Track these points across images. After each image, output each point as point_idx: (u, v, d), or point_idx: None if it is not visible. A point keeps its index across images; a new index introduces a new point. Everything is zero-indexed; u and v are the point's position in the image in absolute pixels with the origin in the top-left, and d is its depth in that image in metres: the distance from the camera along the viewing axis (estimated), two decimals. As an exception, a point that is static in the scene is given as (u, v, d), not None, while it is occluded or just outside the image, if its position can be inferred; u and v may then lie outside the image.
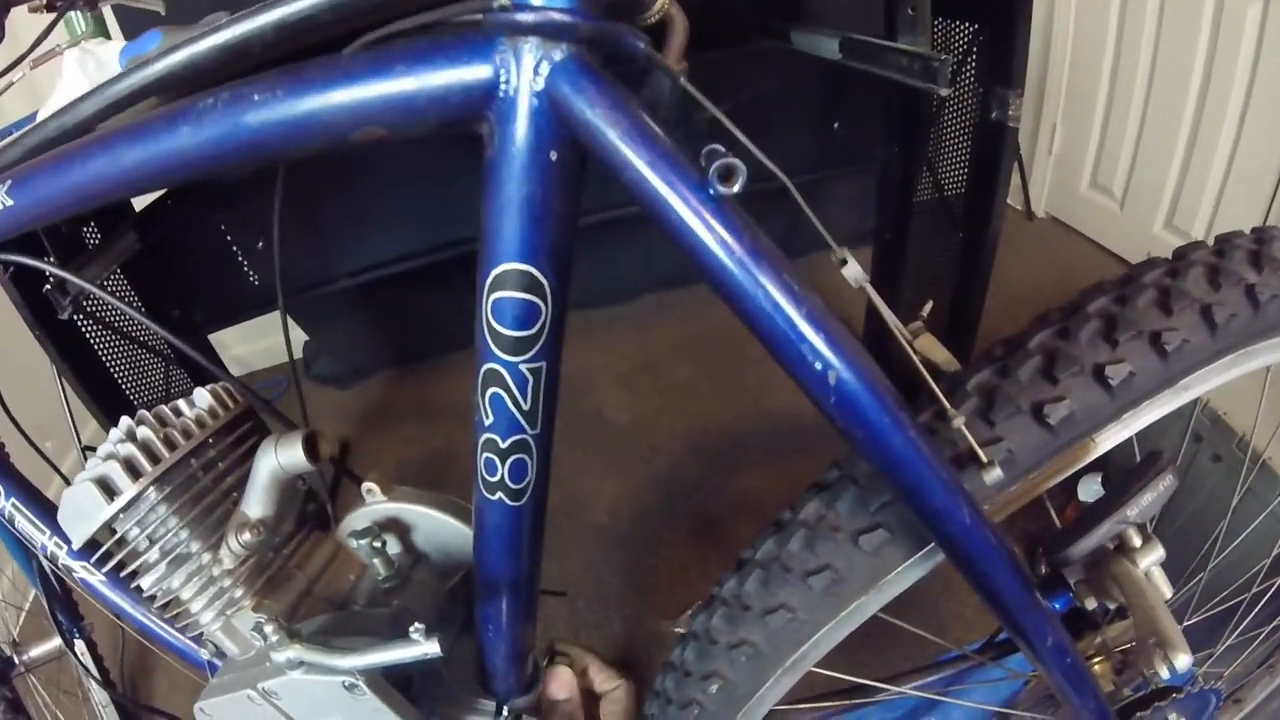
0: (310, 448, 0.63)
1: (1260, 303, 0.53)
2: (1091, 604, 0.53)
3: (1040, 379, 0.49)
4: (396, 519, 0.74)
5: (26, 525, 0.83)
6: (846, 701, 0.85)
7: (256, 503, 0.66)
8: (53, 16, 0.89)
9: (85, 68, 1.04)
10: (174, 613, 0.70)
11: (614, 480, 1.89)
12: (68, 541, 0.80)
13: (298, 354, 2.48)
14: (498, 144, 0.40)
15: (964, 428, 0.45)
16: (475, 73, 0.39)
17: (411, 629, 0.58)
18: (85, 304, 1.27)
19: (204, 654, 0.75)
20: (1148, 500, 0.49)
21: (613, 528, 1.77)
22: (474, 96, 0.39)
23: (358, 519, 0.73)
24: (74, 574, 0.81)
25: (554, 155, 0.39)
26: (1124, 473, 0.52)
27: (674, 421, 2.05)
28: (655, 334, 2.32)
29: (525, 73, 0.38)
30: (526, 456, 0.50)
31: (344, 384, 2.42)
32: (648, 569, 1.66)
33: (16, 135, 0.85)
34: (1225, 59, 1.95)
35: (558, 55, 0.38)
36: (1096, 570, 0.52)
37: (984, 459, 0.46)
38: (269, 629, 0.63)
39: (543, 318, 0.44)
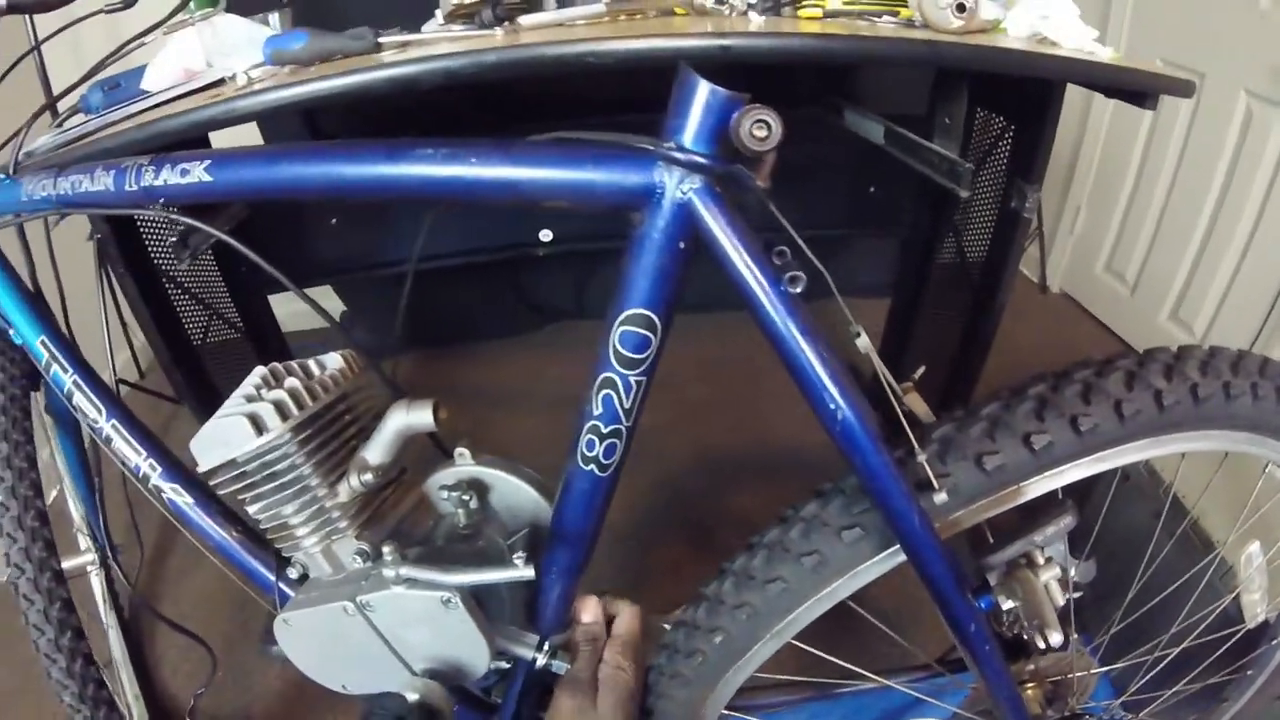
0: (436, 413, 0.81)
1: (1165, 405, 0.74)
2: (1006, 603, 0.76)
3: (985, 437, 0.73)
4: (479, 480, 0.89)
5: (123, 446, 0.93)
6: (820, 679, 1.07)
7: (378, 450, 0.83)
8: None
9: (202, 34, 1.24)
10: (278, 535, 0.84)
11: (622, 480, 2.07)
12: (162, 463, 0.93)
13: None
14: (645, 229, 0.63)
15: (925, 463, 0.69)
16: (640, 179, 0.62)
17: (515, 555, 0.76)
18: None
19: (292, 573, 0.90)
20: (1050, 531, 0.73)
21: (615, 523, 1.92)
22: (636, 194, 0.63)
23: (447, 476, 0.89)
24: (163, 494, 0.93)
25: (682, 244, 0.63)
26: (1038, 511, 0.76)
27: (686, 435, 2.23)
28: (679, 353, 2.44)
29: (672, 189, 0.61)
30: (618, 441, 0.73)
31: (375, 357, 2.59)
32: (643, 566, 1.85)
33: (185, 108, 1.02)
34: (1246, 170, 2.13)
35: (697, 182, 0.61)
36: (1010, 577, 0.76)
37: (936, 486, 0.70)
38: (386, 549, 0.78)
39: (652, 347, 0.67)
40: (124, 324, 2.33)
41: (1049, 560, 0.75)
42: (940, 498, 0.70)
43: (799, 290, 0.61)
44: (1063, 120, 1.41)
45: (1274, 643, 1.12)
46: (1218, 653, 1.13)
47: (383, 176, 0.68)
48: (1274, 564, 1.15)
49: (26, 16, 1.20)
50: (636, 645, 0.92)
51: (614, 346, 0.67)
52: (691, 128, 0.60)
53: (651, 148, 0.61)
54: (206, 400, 1.54)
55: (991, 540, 0.79)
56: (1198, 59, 2.21)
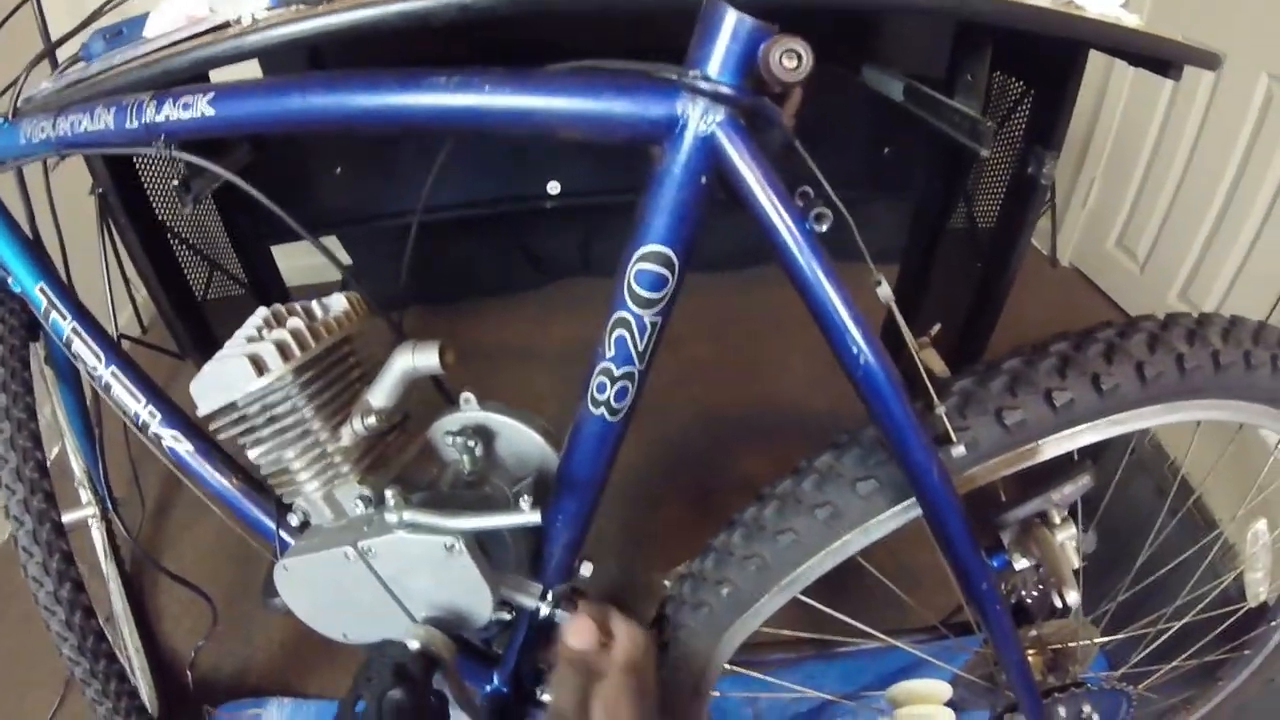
0: (442, 356, 0.80)
1: (1186, 369, 0.73)
2: (1020, 562, 0.75)
3: (1005, 392, 0.71)
4: (485, 426, 0.88)
5: (122, 393, 0.92)
6: (823, 636, 1.07)
7: (382, 394, 0.82)
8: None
9: (208, -22, 1.20)
10: (279, 480, 0.83)
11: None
12: (162, 410, 0.92)
13: (337, 275, 2.64)
14: (665, 164, 0.61)
15: (944, 415, 0.68)
16: (662, 110, 0.60)
17: (521, 499, 0.74)
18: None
19: (293, 519, 0.89)
20: (1068, 490, 0.72)
21: (616, 481, 1.94)
22: (657, 128, 0.60)
23: (452, 421, 0.88)
24: (162, 442, 0.92)
25: (704, 179, 0.61)
26: (1056, 470, 0.75)
27: (688, 394, 2.23)
28: (682, 310, 2.49)
29: (695, 121, 0.59)
30: (630, 384, 0.71)
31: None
32: (644, 523, 1.85)
33: (189, 45, 0.98)
34: (1263, 153, 2.11)
35: (721, 115, 0.59)
36: (1025, 535, 0.75)
37: (954, 439, 0.68)
38: (389, 493, 0.77)
39: (669, 286, 0.65)
40: (126, 280, 2.31)
41: (1065, 520, 0.74)
42: (958, 451, 0.69)
43: (824, 229, 0.59)
44: (1080, 91, 1.39)
45: (1273, 624, 1.12)
46: (1216, 631, 1.14)
47: (393, 106, 0.66)
48: (1279, 544, 1.15)
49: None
50: (639, 674, 0.74)
51: (629, 284, 0.65)
52: (717, 57, 0.58)
53: (675, 77, 0.59)
54: (210, 354, 1.49)
55: (1004, 500, 0.78)
56: (1220, 39, 2.14)
